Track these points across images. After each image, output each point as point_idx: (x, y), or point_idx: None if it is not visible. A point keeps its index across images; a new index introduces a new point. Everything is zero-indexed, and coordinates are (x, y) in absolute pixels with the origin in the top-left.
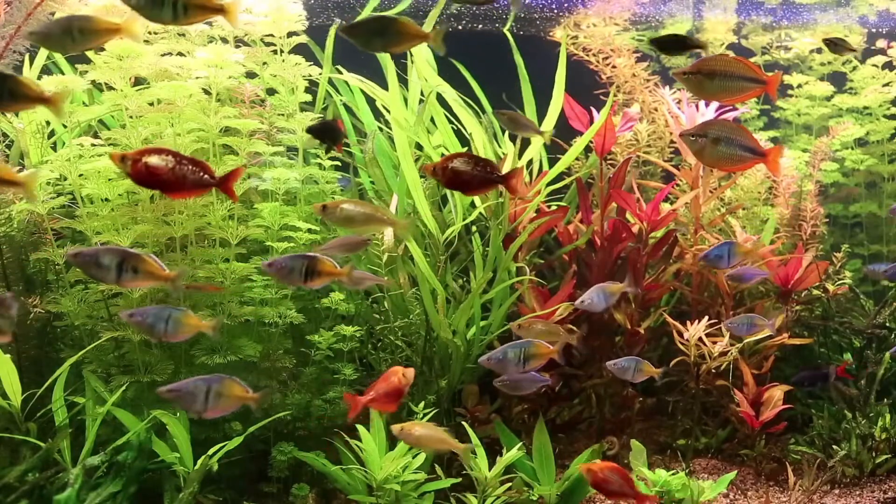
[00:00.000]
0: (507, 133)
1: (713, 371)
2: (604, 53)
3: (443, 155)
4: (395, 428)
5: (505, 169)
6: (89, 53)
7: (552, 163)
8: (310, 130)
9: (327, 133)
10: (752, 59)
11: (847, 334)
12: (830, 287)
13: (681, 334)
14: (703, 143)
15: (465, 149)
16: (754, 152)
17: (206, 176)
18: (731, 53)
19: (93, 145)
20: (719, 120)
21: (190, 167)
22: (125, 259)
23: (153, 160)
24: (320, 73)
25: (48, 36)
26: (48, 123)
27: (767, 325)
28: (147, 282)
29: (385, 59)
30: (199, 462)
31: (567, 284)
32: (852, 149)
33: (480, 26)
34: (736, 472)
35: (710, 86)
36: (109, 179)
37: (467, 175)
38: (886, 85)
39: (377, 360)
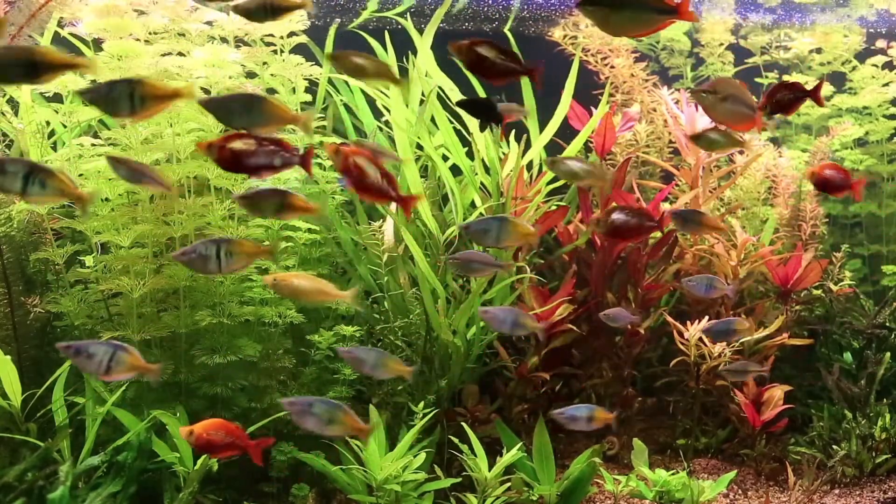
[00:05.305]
0: (510, 134)
1: (713, 371)
2: (602, 53)
3: (444, 157)
4: (268, 279)
5: (506, 171)
6: (89, 53)
7: None
8: (462, 105)
9: (483, 111)
10: (751, 60)
11: (847, 334)
12: (833, 287)
13: (681, 334)
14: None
15: (465, 149)
16: None
17: None
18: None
19: (93, 145)
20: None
21: None
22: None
23: None
24: (321, 73)
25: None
26: (48, 123)
27: (728, 290)
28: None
29: (385, 58)
30: (199, 462)
31: (567, 284)
32: (851, 149)
33: (483, 26)
34: (736, 471)
35: None
36: (109, 179)
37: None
38: (886, 85)
39: None
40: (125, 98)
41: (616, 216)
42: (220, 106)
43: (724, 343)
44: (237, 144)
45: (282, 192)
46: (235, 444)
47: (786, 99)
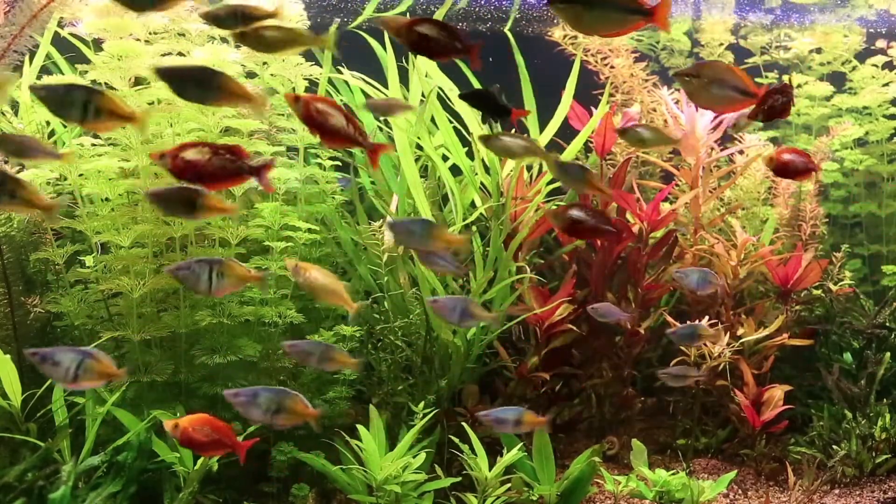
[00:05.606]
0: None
1: (713, 371)
2: (602, 53)
3: (444, 157)
4: (290, 263)
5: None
6: (89, 53)
7: None
8: (465, 98)
9: (484, 102)
10: (751, 60)
11: (847, 334)
12: (833, 287)
13: None
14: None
15: (465, 149)
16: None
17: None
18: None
19: (93, 145)
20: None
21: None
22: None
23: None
24: (321, 73)
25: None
26: (48, 123)
27: (718, 285)
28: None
29: (385, 58)
30: (199, 462)
31: (567, 284)
32: (851, 149)
33: (483, 26)
34: (736, 471)
35: None
36: (109, 179)
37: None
38: (886, 85)
39: (377, 360)
40: (79, 105)
41: (573, 212)
42: (174, 76)
43: (724, 344)
44: (190, 154)
45: (196, 192)
46: (223, 441)
47: (779, 103)
